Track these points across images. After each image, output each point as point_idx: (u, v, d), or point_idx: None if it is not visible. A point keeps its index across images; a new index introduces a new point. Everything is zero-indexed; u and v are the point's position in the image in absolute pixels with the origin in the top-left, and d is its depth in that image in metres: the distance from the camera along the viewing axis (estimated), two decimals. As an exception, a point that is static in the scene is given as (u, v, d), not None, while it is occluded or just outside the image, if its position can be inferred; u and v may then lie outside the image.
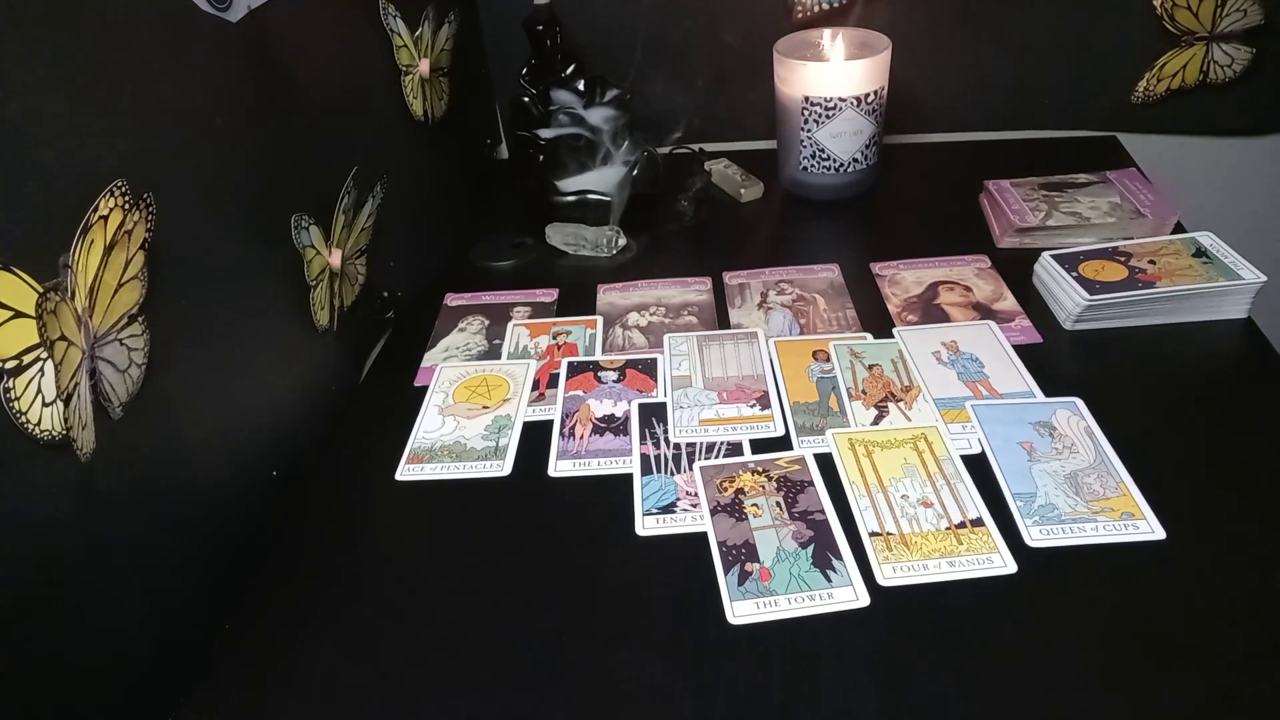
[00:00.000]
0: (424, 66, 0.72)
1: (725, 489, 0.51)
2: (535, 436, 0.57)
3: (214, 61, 0.46)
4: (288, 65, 0.54)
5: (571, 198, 0.78)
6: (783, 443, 0.55)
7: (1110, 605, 0.43)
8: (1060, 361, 0.60)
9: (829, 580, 0.46)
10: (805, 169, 0.79)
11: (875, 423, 0.56)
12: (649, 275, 0.73)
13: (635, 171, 0.78)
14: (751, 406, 0.58)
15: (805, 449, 0.54)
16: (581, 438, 0.57)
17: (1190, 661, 0.40)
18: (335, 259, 0.59)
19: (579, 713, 0.41)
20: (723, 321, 0.67)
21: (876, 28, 0.78)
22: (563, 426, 0.58)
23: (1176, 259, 0.64)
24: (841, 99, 0.74)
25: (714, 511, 0.50)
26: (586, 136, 0.78)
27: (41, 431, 0.33)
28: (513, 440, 0.57)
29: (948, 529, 0.48)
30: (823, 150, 0.77)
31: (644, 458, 0.55)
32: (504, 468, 0.55)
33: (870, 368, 0.60)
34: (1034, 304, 0.65)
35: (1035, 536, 0.47)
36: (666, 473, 0.53)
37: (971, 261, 0.71)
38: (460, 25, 0.80)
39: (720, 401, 0.58)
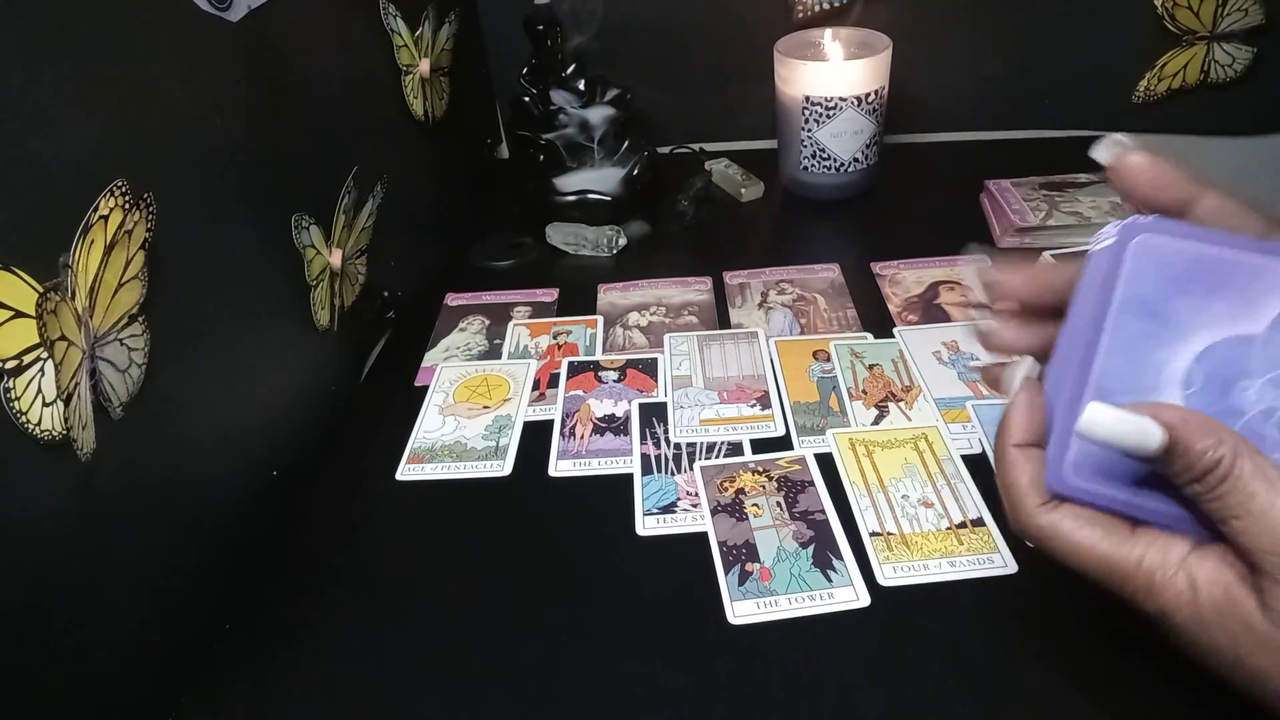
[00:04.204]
0: (424, 66, 0.72)
1: (725, 489, 0.51)
2: (535, 436, 0.57)
3: (214, 61, 0.46)
4: (288, 65, 0.54)
5: (571, 198, 0.78)
6: (783, 443, 0.55)
7: (1112, 605, 0.43)
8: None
9: (829, 580, 0.46)
10: (806, 169, 0.79)
11: (875, 422, 0.56)
12: (649, 275, 0.73)
13: (635, 171, 0.78)
14: (752, 406, 0.58)
15: (805, 449, 0.54)
16: (582, 437, 0.57)
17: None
18: (335, 259, 0.59)
19: (579, 712, 0.41)
20: (723, 321, 0.67)
21: (876, 28, 0.78)
22: (563, 426, 0.58)
23: (1177, 259, 0.64)
24: (842, 99, 0.74)
25: (714, 511, 0.50)
26: (587, 136, 0.78)
27: (42, 431, 0.33)
28: (513, 440, 0.57)
29: (948, 529, 0.48)
30: (823, 150, 0.77)
31: (644, 457, 0.55)
32: (504, 467, 0.55)
33: (870, 367, 0.60)
34: (1034, 304, 0.65)
35: (1036, 536, 0.47)
36: (667, 473, 0.53)
37: (972, 261, 0.70)
38: (460, 25, 0.80)
39: (721, 401, 0.58)
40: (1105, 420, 0.30)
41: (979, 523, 0.48)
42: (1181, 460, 0.30)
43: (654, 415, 0.58)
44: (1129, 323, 0.32)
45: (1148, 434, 0.30)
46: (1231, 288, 0.30)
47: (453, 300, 0.72)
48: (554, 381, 0.62)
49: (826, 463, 0.53)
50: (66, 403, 0.34)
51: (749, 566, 0.47)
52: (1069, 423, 0.33)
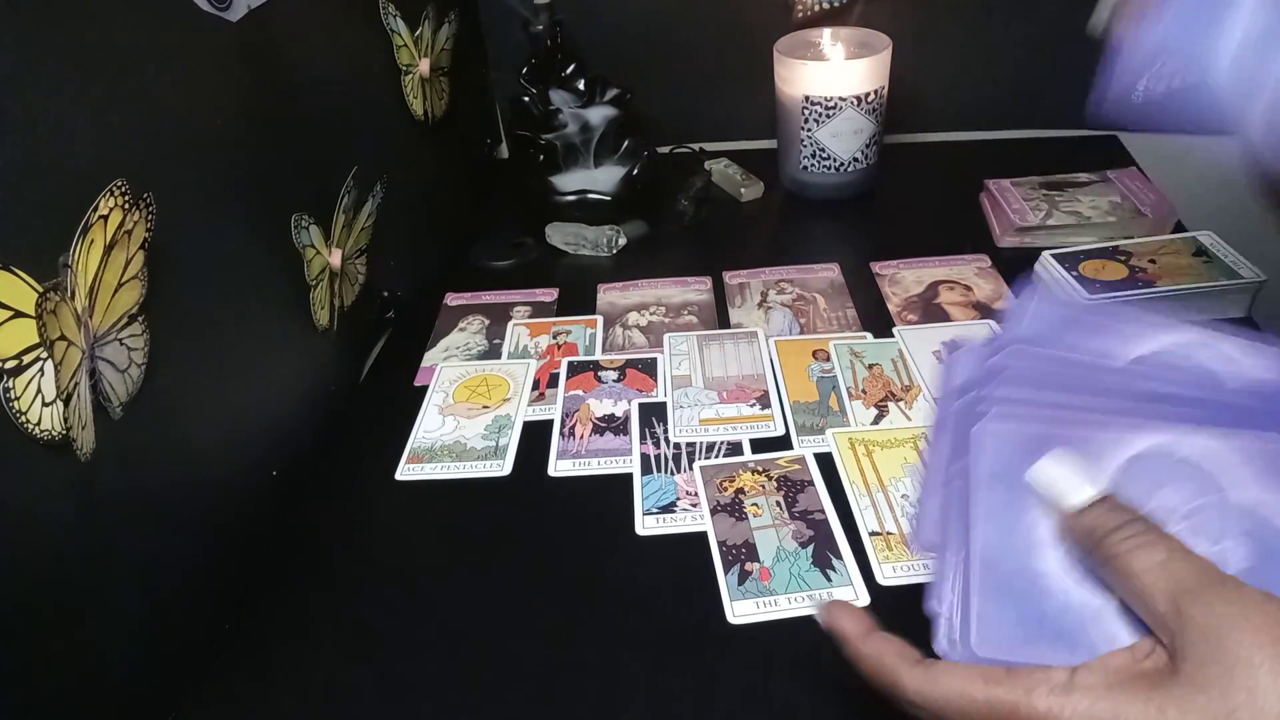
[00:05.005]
0: (424, 66, 0.72)
1: (725, 488, 0.51)
2: (535, 436, 0.57)
3: (214, 61, 0.46)
4: (288, 65, 0.54)
5: (571, 197, 0.78)
6: (783, 442, 0.55)
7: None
8: (1060, 361, 0.59)
9: (829, 580, 0.46)
10: (805, 168, 0.79)
11: (875, 422, 0.56)
12: (649, 275, 0.73)
13: (635, 171, 0.78)
14: (751, 406, 0.58)
15: (805, 448, 0.54)
16: (581, 437, 0.57)
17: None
18: (335, 259, 0.59)
19: (578, 712, 0.41)
20: (723, 321, 0.67)
21: (876, 27, 0.78)
22: (563, 426, 0.58)
23: (1177, 258, 0.64)
24: (841, 98, 0.74)
25: (714, 511, 0.50)
26: (586, 136, 0.78)
27: (41, 431, 0.33)
28: (513, 440, 0.57)
29: (948, 528, 0.48)
30: (823, 150, 0.77)
31: (644, 457, 0.55)
32: (504, 467, 0.55)
33: (870, 367, 0.60)
34: (1034, 303, 0.65)
35: (1035, 536, 0.47)
36: (666, 472, 0.53)
37: (971, 261, 0.71)
38: (460, 25, 0.80)
39: (720, 401, 0.58)
40: (1052, 470, 0.32)
41: (978, 522, 0.48)
42: (1105, 511, 0.31)
43: (653, 415, 0.58)
44: (993, 495, 0.34)
45: (1090, 479, 0.31)
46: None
47: (452, 300, 0.73)
48: (554, 381, 0.62)
49: (826, 462, 0.53)
50: (66, 403, 0.34)
51: (748, 566, 0.47)
52: (966, 591, 0.35)
